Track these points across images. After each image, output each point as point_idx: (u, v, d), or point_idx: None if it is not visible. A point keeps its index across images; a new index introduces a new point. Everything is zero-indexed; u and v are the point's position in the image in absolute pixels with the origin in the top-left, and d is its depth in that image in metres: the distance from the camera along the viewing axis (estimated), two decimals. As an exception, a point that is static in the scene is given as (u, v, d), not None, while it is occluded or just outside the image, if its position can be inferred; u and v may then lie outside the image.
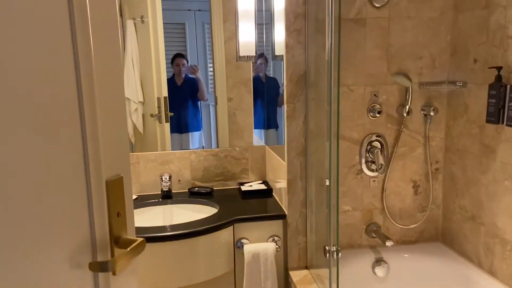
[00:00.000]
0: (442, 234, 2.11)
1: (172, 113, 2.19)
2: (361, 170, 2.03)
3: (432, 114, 1.95)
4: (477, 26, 1.77)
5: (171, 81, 2.12)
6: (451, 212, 2.02)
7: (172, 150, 2.14)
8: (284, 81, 1.69)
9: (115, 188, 0.88)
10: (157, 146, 2.15)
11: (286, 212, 1.78)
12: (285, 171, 1.76)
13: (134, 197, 2.04)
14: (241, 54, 2.05)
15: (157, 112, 2.18)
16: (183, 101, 2.17)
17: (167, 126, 2.20)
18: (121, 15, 2.05)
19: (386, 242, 1.90)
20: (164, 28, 2.07)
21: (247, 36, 2.04)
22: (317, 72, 1.67)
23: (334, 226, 1.51)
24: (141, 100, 2.14)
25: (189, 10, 2.16)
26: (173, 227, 1.68)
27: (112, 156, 0.86)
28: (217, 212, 1.83)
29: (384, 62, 1.94)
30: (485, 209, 1.78)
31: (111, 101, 0.84)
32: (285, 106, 1.71)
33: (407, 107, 1.93)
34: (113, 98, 0.85)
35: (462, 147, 1.90)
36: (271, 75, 2.17)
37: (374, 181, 2.05)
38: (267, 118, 2.22)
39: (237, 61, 2.08)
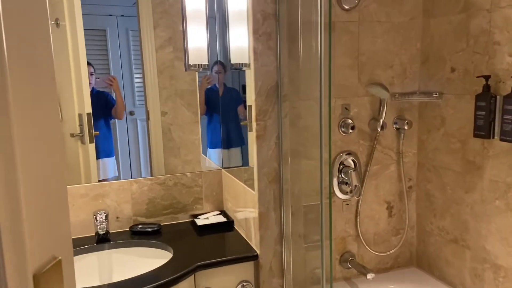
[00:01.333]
0: (417, 257, 1.94)
1: (98, 132, 1.79)
2: (333, 194, 1.80)
3: (406, 127, 1.78)
4: (453, 32, 1.63)
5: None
6: (427, 234, 1.86)
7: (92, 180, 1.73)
8: (252, 95, 1.40)
9: (49, 281, 0.52)
10: (81, 173, 1.73)
11: (258, 252, 1.47)
12: (255, 202, 1.47)
13: (59, 243, 1.60)
14: (191, 62, 1.72)
15: (79, 131, 1.76)
16: (94, 120, 1.77)
17: (91, 147, 1.79)
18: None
19: (368, 275, 1.68)
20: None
21: (197, 41, 1.71)
22: (292, 83, 1.40)
23: (327, 265, 1.24)
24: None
25: (110, 15, 1.82)
26: (116, 286, 1.29)
27: (43, 230, 0.50)
28: (172, 257, 1.47)
29: (354, 71, 1.73)
30: (470, 231, 1.63)
31: (41, 145, 0.49)
32: (253, 125, 1.41)
33: (381, 121, 1.74)
34: (44, 140, 0.49)
35: (439, 164, 1.75)
36: (230, 85, 1.87)
37: (347, 204, 1.83)
38: (225, 136, 1.90)
39: (186, 70, 1.75)
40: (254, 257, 1.47)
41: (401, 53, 1.78)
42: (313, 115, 1.53)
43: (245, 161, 1.82)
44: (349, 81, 1.73)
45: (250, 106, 1.47)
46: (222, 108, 1.88)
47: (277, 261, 1.50)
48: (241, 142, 1.86)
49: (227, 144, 1.89)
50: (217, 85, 1.87)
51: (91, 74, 1.72)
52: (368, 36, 1.72)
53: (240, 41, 1.66)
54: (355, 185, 1.71)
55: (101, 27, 1.75)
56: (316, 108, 1.53)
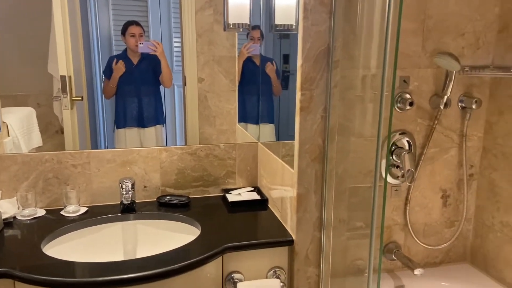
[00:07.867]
0: (471, 253, 1.73)
1: (81, 97, 1.58)
2: (381, 177, 1.60)
3: (473, 107, 1.54)
4: (546, -5, 1.35)
5: (122, 59, 1.59)
6: (487, 228, 1.64)
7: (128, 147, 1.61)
8: (298, 60, 1.20)
9: None
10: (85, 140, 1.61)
11: (294, 237, 1.32)
12: (294, 181, 1.30)
13: (84, 209, 1.51)
14: (231, 21, 1.54)
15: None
16: (141, 86, 1.65)
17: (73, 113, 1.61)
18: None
19: (415, 271, 1.49)
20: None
21: (239, -3, 1.53)
22: (347, 46, 1.20)
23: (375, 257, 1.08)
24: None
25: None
26: (139, 263, 1.18)
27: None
28: (199, 235, 1.34)
29: (418, 38, 1.49)
30: (543, 231, 1.40)
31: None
32: (297, 94, 1.23)
33: (446, 97, 1.51)
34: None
35: None
36: (269, 55, 1.69)
37: (396, 190, 1.63)
38: (261, 110, 1.74)
39: (224, 30, 1.58)
40: (289, 242, 1.32)
41: (476, 18, 1.51)
42: (367, 86, 1.33)
43: (280, 137, 1.67)
44: (410, 49, 1.50)
45: (288, 74, 1.28)
46: (259, 80, 1.71)
47: (315, 248, 1.34)
48: (271, 119, 1.71)
49: (262, 118, 1.73)
50: (254, 54, 1.70)
51: (140, 35, 1.58)
52: (438, -3, 1.47)
53: (287, -2, 1.46)
54: (408, 169, 1.51)
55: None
56: (372, 79, 1.32)
